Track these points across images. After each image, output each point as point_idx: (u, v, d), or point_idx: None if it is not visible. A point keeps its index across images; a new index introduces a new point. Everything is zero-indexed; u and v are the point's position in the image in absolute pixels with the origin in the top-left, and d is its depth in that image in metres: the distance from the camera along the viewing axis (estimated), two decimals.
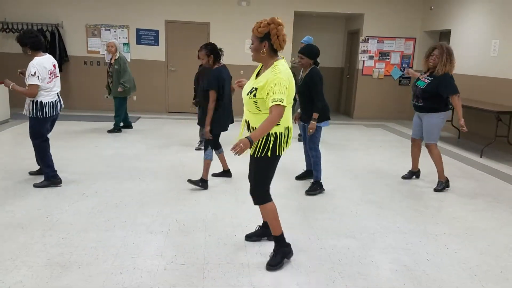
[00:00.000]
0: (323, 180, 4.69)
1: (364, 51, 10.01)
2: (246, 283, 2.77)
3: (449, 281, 2.90)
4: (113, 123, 7.46)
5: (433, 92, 4.65)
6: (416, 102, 4.86)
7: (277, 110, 2.65)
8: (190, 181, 4.57)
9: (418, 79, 4.86)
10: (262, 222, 3.36)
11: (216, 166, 5.08)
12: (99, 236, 3.35)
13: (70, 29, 9.39)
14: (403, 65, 10.15)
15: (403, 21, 9.92)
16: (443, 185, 4.87)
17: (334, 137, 7.69)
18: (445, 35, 9.50)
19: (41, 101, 4.32)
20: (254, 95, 2.75)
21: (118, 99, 7.33)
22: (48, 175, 4.49)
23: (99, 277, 2.76)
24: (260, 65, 2.94)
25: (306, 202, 4.34)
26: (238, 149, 2.59)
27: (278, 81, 2.66)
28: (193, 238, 3.40)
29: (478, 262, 3.20)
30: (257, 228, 3.38)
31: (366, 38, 9.94)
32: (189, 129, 7.90)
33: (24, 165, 5.11)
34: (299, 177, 5.03)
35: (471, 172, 5.70)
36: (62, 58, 9.33)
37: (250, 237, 3.35)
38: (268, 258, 3.02)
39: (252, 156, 2.91)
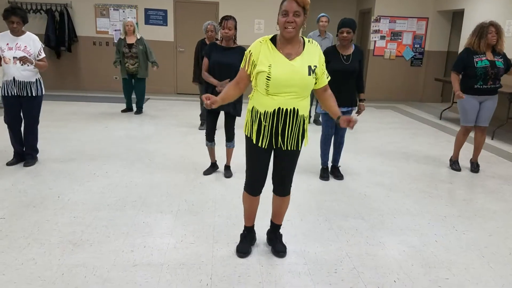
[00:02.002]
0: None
1: (376, 31, 9.85)
2: (254, 262, 2.80)
3: (457, 262, 2.91)
4: (138, 106, 7.47)
5: None
6: (492, 85, 4.57)
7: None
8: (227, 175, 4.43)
9: (493, 60, 4.51)
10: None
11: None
12: (110, 215, 3.40)
13: (79, 9, 9.35)
14: (415, 46, 9.99)
15: (416, 0, 9.71)
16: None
17: None
18: (458, 15, 9.30)
19: (40, 77, 4.43)
20: (316, 74, 2.53)
21: (142, 80, 7.31)
22: (36, 153, 4.60)
23: (110, 255, 2.81)
24: (267, 42, 2.50)
25: (315, 184, 4.35)
26: (353, 125, 2.51)
27: (324, 58, 2.63)
28: (202, 218, 3.44)
29: (486, 243, 3.20)
30: None
31: (378, 17, 9.77)
32: (198, 111, 7.89)
33: None
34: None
35: (482, 154, 5.63)
36: (71, 38, 9.33)
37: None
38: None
39: (296, 150, 2.68)
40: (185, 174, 4.44)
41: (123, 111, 7.56)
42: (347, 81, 4.15)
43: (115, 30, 9.40)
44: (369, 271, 2.75)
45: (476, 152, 4.94)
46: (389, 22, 9.82)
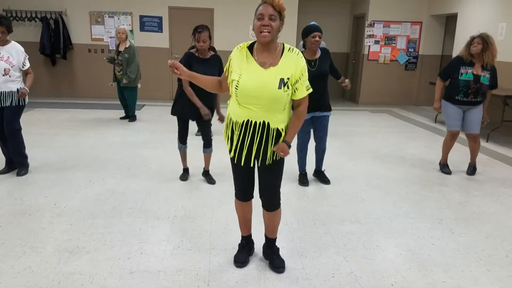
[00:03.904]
0: (329, 166, 4.70)
1: (370, 36, 9.91)
2: (252, 268, 2.80)
3: (454, 265, 2.91)
4: (130, 113, 7.43)
5: None
6: (473, 99, 4.59)
7: (306, 99, 2.50)
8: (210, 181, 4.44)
9: (478, 75, 4.50)
10: None
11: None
12: (106, 222, 3.39)
13: (73, 17, 9.35)
14: (409, 50, 10.05)
15: (409, 5, 9.79)
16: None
17: (340, 124, 7.66)
18: (452, 19, 9.38)
19: (23, 87, 4.32)
20: (288, 87, 2.39)
21: (128, 88, 7.25)
22: (26, 160, 4.52)
23: (107, 262, 2.80)
24: (243, 49, 2.47)
25: (312, 189, 4.35)
26: (283, 155, 2.43)
27: (306, 66, 2.45)
28: (199, 224, 3.43)
29: (483, 246, 3.21)
30: None
31: (372, 22, 9.83)
32: None
33: (30, 153, 5.13)
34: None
35: (478, 157, 5.67)
36: (66, 46, 9.32)
37: None
38: None
39: (277, 162, 2.57)
40: (182, 180, 4.44)
41: (121, 118, 7.53)
42: (318, 86, 4.02)
43: (110, 37, 9.40)
44: (366, 275, 2.75)
45: (473, 155, 4.96)
46: (383, 27, 9.88)
